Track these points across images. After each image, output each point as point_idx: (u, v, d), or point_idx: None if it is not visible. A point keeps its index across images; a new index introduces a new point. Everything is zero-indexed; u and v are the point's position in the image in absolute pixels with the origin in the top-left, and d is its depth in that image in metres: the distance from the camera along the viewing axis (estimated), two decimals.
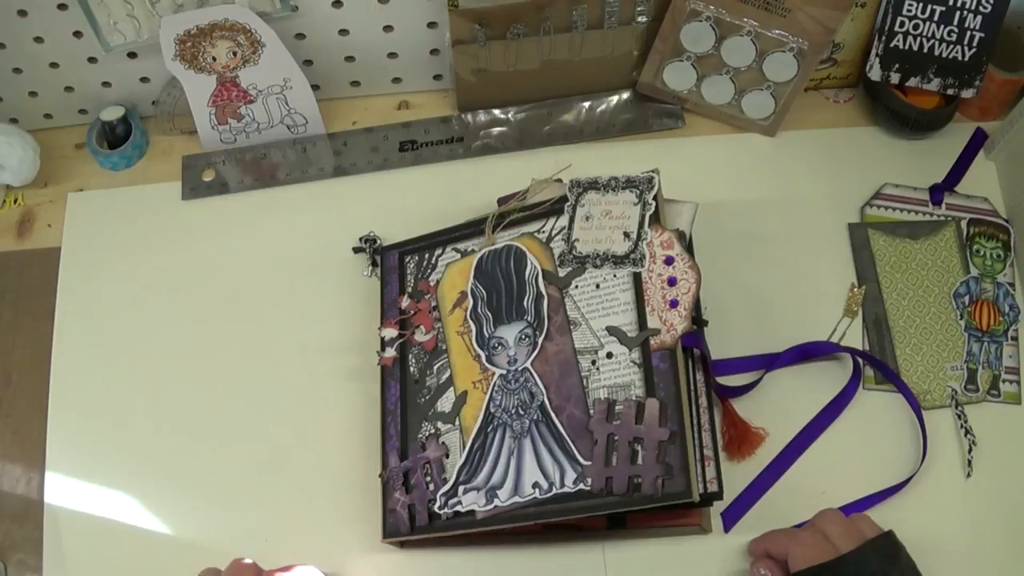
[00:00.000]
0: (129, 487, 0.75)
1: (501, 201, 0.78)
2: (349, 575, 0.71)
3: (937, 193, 0.81)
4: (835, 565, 0.57)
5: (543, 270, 0.71)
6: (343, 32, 0.83)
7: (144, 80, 0.87)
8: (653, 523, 0.68)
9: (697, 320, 0.68)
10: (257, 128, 0.87)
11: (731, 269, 0.79)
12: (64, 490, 0.75)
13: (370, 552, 0.71)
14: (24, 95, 0.87)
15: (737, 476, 0.71)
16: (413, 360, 0.74)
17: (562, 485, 0.63)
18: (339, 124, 0.90)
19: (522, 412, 0.67)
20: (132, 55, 0.84)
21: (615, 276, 0.68)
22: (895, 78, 0.82)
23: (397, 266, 0.78)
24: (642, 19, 0.81)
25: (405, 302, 0.76)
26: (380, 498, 0.70)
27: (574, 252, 0.70)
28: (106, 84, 0.87)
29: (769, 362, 0.75)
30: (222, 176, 0.87)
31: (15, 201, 0.88)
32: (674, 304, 0.66)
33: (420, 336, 0.74)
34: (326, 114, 0.88)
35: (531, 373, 0.68)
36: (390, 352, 0.74)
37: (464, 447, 0.68)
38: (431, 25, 0.83)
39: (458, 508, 0.66)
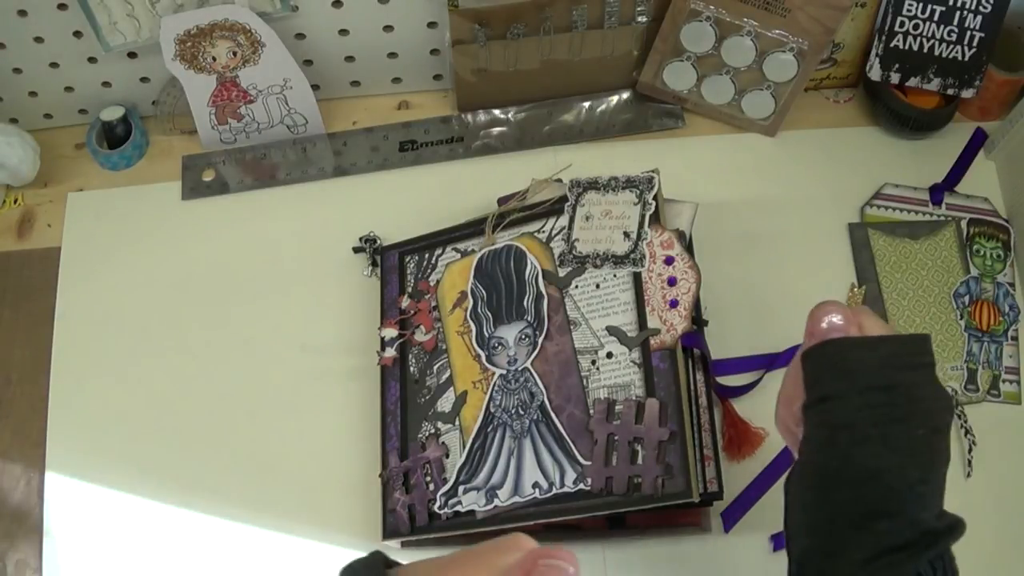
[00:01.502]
0: (129, 487, 0.75)
1: (501, 201, 0.78)
2: None
3: (937, 193, 0.81)
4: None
5: (543, 270, 0.71)
6: (343, 32, 0.83)
7: (144, 80, 0.87)
8: (653, 523, 0.68)
9: (697, 320, 0.68)
10: (257, 128, 0.87)
11: (731, 269, 0.79)
12: (64, 490, 0.75)
13: None
14: (24, 95, 0.87)
15: (737, 476, 0.71)
16: (413, 360, 0.73)
17: (562, 485, 0.63)
18: (339, 124, 0.90)
19: (522, 412, 0.67)
20: (132, 55, 0.84)
21: (615, 276, 0.68)
22: (895, 78, 0.82)
23: (397, 266, 0.78)
24: (642, 19, 0.81)
25: (405, 302, 0.76)
26: (380, 498, 0.70)
27: (574, 252, 0.70)
28: (106, 84, 0.87)
29: (769, 362, 0.75)
30: (222, 176, 0.87)
31: (15, 201, 0.88)
32: (674, 304, 0.66)
33: (420, 336, 0.74)
34: (326, 114, 0.88)
35: (531, 373, 0.68)
36: (390, 352, 0.74)
37: (464, 447, 0.68)
38: (431, 25, 0.83)
39: (458, 508, 0.66)
